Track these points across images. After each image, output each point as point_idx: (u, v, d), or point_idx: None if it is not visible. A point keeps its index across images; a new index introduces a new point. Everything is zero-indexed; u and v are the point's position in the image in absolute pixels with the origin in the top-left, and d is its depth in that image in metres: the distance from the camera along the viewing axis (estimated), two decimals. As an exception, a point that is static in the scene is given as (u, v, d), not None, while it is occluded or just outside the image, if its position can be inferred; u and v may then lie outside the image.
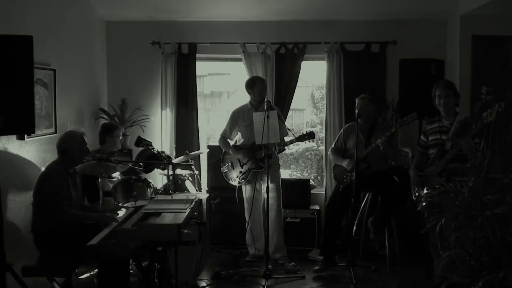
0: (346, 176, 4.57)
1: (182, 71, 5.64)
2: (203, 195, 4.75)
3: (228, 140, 5.01)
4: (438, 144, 3.90)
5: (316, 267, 4.57)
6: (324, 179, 5.69)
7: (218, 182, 5.26)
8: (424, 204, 3.78)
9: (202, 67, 6.16)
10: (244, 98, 5.01)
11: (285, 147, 4.77)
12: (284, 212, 5.14)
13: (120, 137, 4.74)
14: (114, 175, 4.51)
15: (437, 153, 3.87)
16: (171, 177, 4.42)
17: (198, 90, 5.78)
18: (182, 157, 4.87)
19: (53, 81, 4.49)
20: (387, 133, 4.32)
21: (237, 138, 5.07)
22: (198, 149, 5.53)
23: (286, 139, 4.76)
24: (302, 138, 4.62)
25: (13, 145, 3.91)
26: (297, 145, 6.90)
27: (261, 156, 4.68)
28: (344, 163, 4.60)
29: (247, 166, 4.83)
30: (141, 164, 4.55)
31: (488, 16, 4.99)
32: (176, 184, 4.43)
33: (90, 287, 4.06)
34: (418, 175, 3.99)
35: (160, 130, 5.72)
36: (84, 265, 4.06)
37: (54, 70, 4.49)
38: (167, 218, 3.08)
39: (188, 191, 4.68)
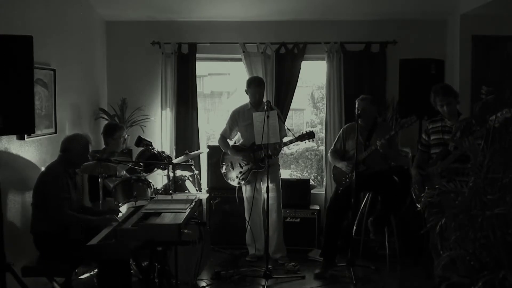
0: (345, 178, 4.57)
1: (182, 71, 5.63)
2: (203, 195, 4.74)
3: (228, 140, 5.01)
4: (440, 144, 3.90)
5: (317, 271, 4.56)
6: (324, 179, 5.69)
7: (218, 182, 5.26)
8: (424, 204, 3.79)
9: (202, 67, 6.16)
10: (244, 98, 5.00)
11: (281, 148, 4.75)
12: (284, 212, 5.13)
13: (124, 137, 4.73)
14: (121, 173, 4.54)
15: (440, 154, 3.87)
16: (171, 177, 4.42)
17: (198, 90, 5.78)
18: (182, 157, 4.87)
19: (53, 81, 4.49)
20: (386, 136, 4.32)
21: (237, 138, 5.06)
22: (198, 149, 5.53)
23: (286, 139, 4.76)
24: (302, 137, 4.61)
25: (13, 145, 3.91)
26: (297, 145, 6.91)
27: (261, 156, 4.68)
28: (341, 165, 4.60)
29: (247, 166, 4.83)
30: (141, 164, 4.55)
31: (488, 16, 4.99)
32: (176, 184, 4.43)
33: (90, 287, 4.06)
34: (420, 174, 3.99)
35: (160, 130, 5.72)
36: (84, 265, 4.06)
37: (54, 70, 4.49)
38: (167, 218, 3.08)
39: (188, 191, 4.68)
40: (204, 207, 5.03)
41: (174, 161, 4.69)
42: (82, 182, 4.64)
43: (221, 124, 5.24)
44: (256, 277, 4.43)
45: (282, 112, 5.24)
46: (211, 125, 7.28)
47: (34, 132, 3.34)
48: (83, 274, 4.18)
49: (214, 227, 5.20)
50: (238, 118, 4.91)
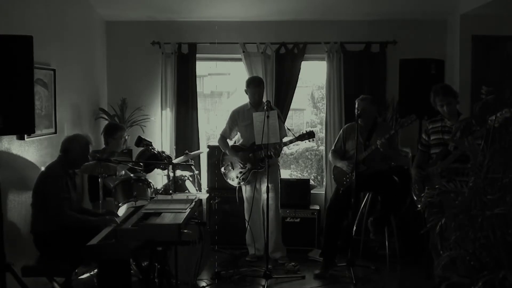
0: (346, 178, 4.56)
1: (182, 71, 5.63)
2: (203, 195, 4.74)
3: (228, 140, 5.01)
4: (440, 144, 3.90)
5: (317, 271, 4.56)
6: (324, 179, 5.69)
7: (218, 182, 5.27)
8: (424, 204, 3.78)
9: (202, 67, 6.16)
10: (244, 98, 5.00)
11: (281, 149, 4.75)
12: (284, 212, 5.14)
13: (125, 137, 4.72)
14: (120, 173, 4.53)
15: (440, 153, 3.87)
16: (171, 177, 4.42)
17: (198, 90, 5.77)
18: (182, 157, 4.86)
19: (53, 81, 4.49)
20: (386, 136, 4.32)
21: (237, 138, 5.06)
22: (198, 149, 5.53)
23: (286, 139, 4.76)
24: (302, 137, 4.61)
25: (13, 145, 3.91)
26: (297, 145, 6.91)
27: (261, 157, 4.67)
28: (341, 165, 4.59)
29: (247, 166, 4.82)
30: (141, 164, 4.55)
31: (488, 16, 4.99)
32: (176, 184, 4.43)
33: (90, 287, 4.06)
34: (420, 174, 3.98)
35: (160, 130, 5.72)
36: (84, 265, 4.06)
37: (54, 70, 4.49)
38: (167, 218, 3.08)
39: (188, 191, 4.68)
40: (204, 207, 5.04)
41: (174, 161, 4.68)
42: (82, 182, 4.65)
43: (221, 124, 5.24)
44: (256, 277, 4.43)
45: (282, 112, 5.24)
46: (211, 125, 7.29)
47: (34, 132, 3.34)
48: (83, 274, 4.18)
49: (214, 227, 5.20)
50: (238, 118, 4.91)
